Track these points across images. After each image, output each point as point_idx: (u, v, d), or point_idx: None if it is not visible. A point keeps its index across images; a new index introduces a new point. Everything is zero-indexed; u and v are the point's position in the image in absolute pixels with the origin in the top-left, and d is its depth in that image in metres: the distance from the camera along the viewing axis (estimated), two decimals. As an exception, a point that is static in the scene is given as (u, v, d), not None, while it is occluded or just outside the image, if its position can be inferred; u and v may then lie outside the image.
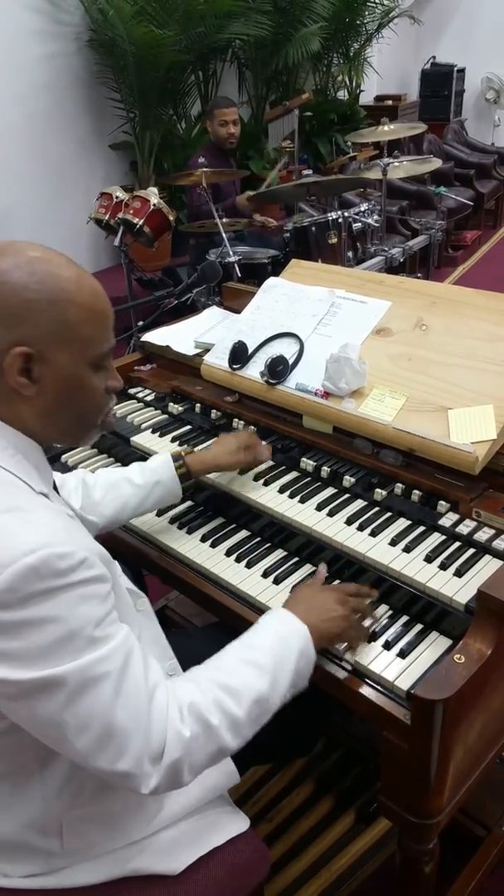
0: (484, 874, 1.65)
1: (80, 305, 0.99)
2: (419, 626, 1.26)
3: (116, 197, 4.38)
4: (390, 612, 1.30)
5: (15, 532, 0.89)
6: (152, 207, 4.18)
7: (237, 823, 1.19)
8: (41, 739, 0.93)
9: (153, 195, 4.23)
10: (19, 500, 0.94)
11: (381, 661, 1.19)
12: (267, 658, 1.07)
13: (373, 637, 1.23)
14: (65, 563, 0.88)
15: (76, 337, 0.99)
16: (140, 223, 4.16)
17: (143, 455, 1.77)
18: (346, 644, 1.20)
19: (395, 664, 1.18)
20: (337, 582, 1.37)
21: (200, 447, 1.73)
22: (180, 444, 1.78)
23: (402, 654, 1.19)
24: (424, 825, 1.15)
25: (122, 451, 1.84)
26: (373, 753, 1.86)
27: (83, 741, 0.90)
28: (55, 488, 1.11)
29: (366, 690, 1.16)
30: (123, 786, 0.95)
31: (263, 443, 1.61)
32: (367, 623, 1.25)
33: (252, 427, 1.74)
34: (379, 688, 1.16)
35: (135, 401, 2.01)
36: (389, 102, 8.84)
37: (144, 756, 0.93)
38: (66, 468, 1.81)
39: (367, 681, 1.18)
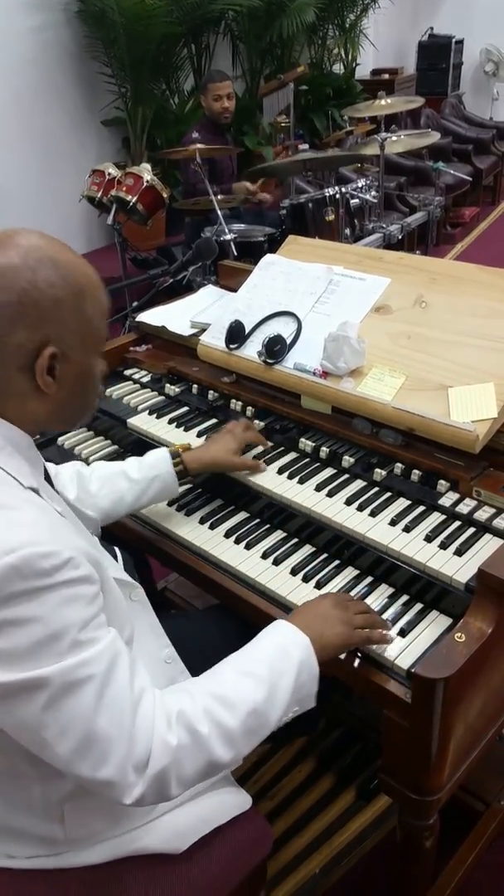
0: (482, 847, 1.67)
1: (94, 298, 0.99)
2: (419, 606, 1.26)
3: (109, 174, 4.32)
4: (390, 591, 1.30)
5: None
6: (145, 184, 4.13)
7: (240, 802, 1.20)
8: (24, 744, 0.92)
9: (146, 172, 4.18)
10: (5, 497, 0.92)
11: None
12: (264, 669, 1.03)
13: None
14: (48, 563, 0.86)
15: (92, 331, 1.00)
16: (133, 200, 4.11)
17: (140, 437, 1.76)
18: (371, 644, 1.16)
19: (395, 643, 1.18)
20: (336, 562, 1.37)
21: (196, 431, 1.72)
22: (178, 426, 1.76)
23: (403, 633, 1.20)
24: (425, 802, 1.16)
25: (119, 433, 1.83)
26: (373, 731, 1.87)
27: (64, 747, 0.88)
28: (49, 479, 1.10)
29: (366, 669, 1.17)
30: (106, 795, 0.92)
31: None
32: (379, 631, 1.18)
33: (250, 411, 1.73)
34: (380, 667, 1.16)
35: (131, 382, 1.99)
36: (386, 76, 8.70)
37: (128, 764, 0.90)
38: (62, 451, 1.80)
39: (368, 660, 1.18)
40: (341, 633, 1.12)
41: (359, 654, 1.19)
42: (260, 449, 1.61)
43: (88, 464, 1.51)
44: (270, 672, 1.03)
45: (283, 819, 1.73)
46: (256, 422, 1.68)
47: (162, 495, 1.48)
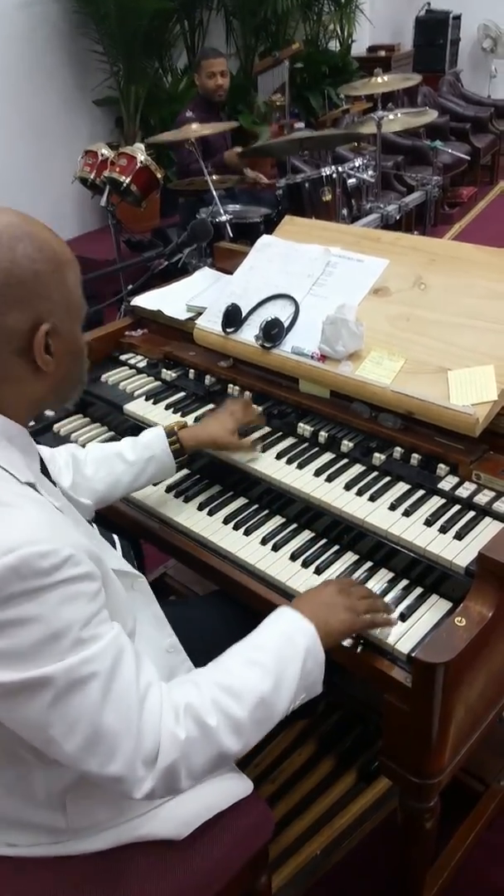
0: (482, 827, 1.68)
1: (72, 268, 0.98)
2: (419, 590, 1.26)
3: (102, 154, 4.26)
4: (390, 576, 1.29)
5: None
6: (139, 165, 4.07)
7: (241, 787, 1.20)
8: (31, 742, 0.91)
9: (140, 152, 4.12)
10: (2, 494, 0.90)
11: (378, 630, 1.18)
12: (270, 658, 1.02)
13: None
14: (47, 562, 0.85)
15: (75, 301, 0.99)
16: (127, 181, 4.05)
17: (137, 423, 1.75)
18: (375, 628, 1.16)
19: (395, 628, 1.18)
20: (336, 547, 1.36)
21: (194, 416, 1.71)
22: (175, 412, 1.75)
23: (403, 618, 1.19)
24: (426, 785, 1.16)
25: (115, 419, 1.81)
26: (373, 714, 1.88)
27: (71, 744, 0.88)
28: (44, 467, 1.08)
29: (366, 654, 1.16)
30: (116, 790, 0.92)
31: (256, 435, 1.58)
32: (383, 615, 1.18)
33: (248, 395, 1.72)
34: (380, 651, 1.16)
35: (126, 367, 1.98)
36: (382, 53, 8.59)
37: (136, 759, 0.90)
38: (58, 438, 1.79)
39: (368, 645, 1.18)
40: (345, 619, 1.12)
41: (361, 641, 1.18)
42: (263, 432, 1.60)
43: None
44: (277, 661, 1.02)
45: (283, 802, 1.74)
46: (255, 407, 1.66)
47: (159, 475, 1.47)
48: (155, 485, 1.55)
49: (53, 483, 1.10)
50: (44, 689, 0.85)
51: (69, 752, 0.88)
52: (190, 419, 1.70)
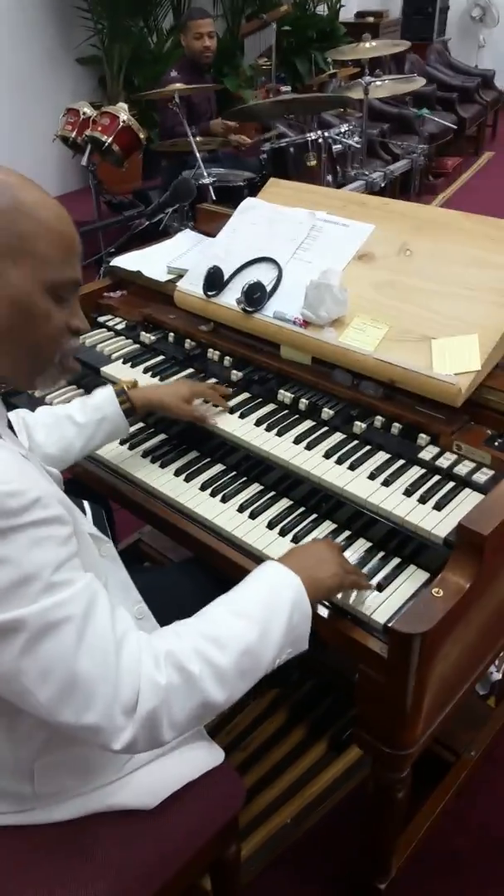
0: (451, 796, 1.69)
1: (37, 220, 0.91)
2: (397, 560, 1.24)
3: (84, 113, 4.16)
4: (368, 545, 1.28)
5: None
6: (121, 124, 3.97)
7: (212, 756, 1.18)
8: (4, 695, 0.88)
9: (122, 111, 4.02)
10: None
11: (358, 594, 1.16)
12: (256, 608, 0.99)
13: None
14: (15, 503, 0.82)
15: (31, 252, 0.91)
16: (108, 141, 3.96)
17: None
18: (354, 591, 1.15)
19: (372, 597, 1.16)
20: (314, 516, 1.34)
21: (172, 381, 1.67)
22: (153, 375, 1.71)
23: (380, 588, 1.18)
24: (399, 756, 1.15)
25: (93, 381, 1.77)
26: (346, 683, 1.88)
27: (45, 692, 0.84)
28: (11, 428, 1.04)
29: (342, 624, 1.15)
30: (94, 741, 0.88)
31: (218, 407, 1.54)
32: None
33: (228, 360, 1.68)
34: (356, 621, 1.15)
35: (105, 329, 1.93)
36: (371, 19, 8.45)
37: (115, 707, 0.86)
38: (32, 399, 1.74)
39: (344, 614, 1.16)
40: (336, 573, 1.10)
41: (329, 605, 1.17)
42: (239, 399, 1.57)
43: None
44: (262, 611, 1.00)
45: (254, 770, 1.74)
46: (235, 372, 1.63)
47: (113, 435, 1.45)
48: (131, 448, 1.53)
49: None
50: (15, 634, 0.82)
51: (43, 701, 0.85)
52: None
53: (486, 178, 6.86)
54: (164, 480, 1.45)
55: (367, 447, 1.41)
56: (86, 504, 1.32)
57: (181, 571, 1.49)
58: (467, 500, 1.27)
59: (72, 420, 1.39)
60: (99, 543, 1.13)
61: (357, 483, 1.33)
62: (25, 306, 0.92)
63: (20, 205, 0.90)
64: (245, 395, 1.60)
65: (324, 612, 1.16)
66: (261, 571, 1.07)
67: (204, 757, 1.17)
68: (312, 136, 3.64)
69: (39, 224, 0.91)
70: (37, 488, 0.85)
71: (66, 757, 1.03)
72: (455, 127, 6.06)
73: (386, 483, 1.32)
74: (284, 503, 1.38)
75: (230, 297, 1.69)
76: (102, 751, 0.92)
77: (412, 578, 1.20)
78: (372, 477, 1.34)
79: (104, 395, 1.43)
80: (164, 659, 0.91)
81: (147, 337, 1.83)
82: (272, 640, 0.99)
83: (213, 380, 1.65)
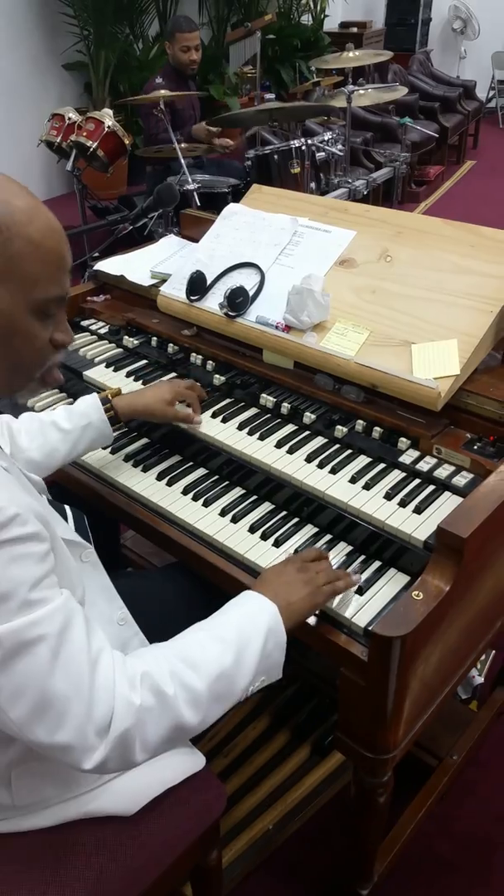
0: (434, 800, 1.69)
1: (27, 239, 0.89)
2: (377, 564, 1.25)
3: (69, 118, 4.16)
4: (349, 549, 1.28)
5: None
6: (106, 130, 3.98)
7: (193, 762, 1.18)
8: None
9: (108, 117, 4.03)
10: None
11: (338, 598, 1.16)
12: (231, 633, 1.00)
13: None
14: None
15: (17, 273, 0.89)
16: (94, 146, 3.96)
17: (97, 390, 1.70)
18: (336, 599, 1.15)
19: (352, 601, 1.16)
20: (295, 520, 1.34)
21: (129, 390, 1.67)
22: (136, 380, 1.71)
23: (360, 591, 1.18)
24: (380, 760, 1.16)
25: (76, 385, 1.76)
26: (328, 687, 1.88)
27: (17, 710, 0.84)
28: None
29: (323, 627, 1.15)
30: (64, 760, 0.88)
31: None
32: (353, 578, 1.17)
33: (211, 365, 1.68)
34: (336, 624, 1.15)
35: (87, 333, 1.93)
36: (354, 30, 8.51)
37: (87, 726, 0.86)
38: (14, 404, 1.73)
39: (325, 618, 1.16)
40: (306, 595, 1.10)
41: (315, 613, 1.17)
42: (222, 403, 1.57)
43: None
44: (238, 637, 1.00)
45: (237, 776, 1.74)
46: (217, 377, 1.63)
47: (97, 443, 1.44)
48: (113, 453, 1.52)
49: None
50: None
51: (15, 719, 0.85)
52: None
53: (467, 186, 6.92)
54: (145, 485, 1.44)
55: (349, 451, 1.42)
56: (68, 509, 1.31)
57: (164, 576, 1.48)
58: (447, 504, 1.28)
59: (56, 426, 1.39)
60: (80, 549, 1.12)
61: (338, 487, 1.33)
62: (8, 328, 0.91)
63: (11, 222, 0.88)
64: (227, 400, 1.60)
65: (312, 620, 1.16)
66: (237, 600, 1.08)
67: (184, 762, 1.17)
68: (296, 143, 3.66)
69: (30, 243, 0.89)
70: (14, 505, 0.85)
71: (44, 765, 1.02)
72: (437, 136, 6.10)
73: (367, 487, 1.32)
74: (266, 507, 1.38)
75: (213, 302, 1.69)
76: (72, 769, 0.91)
77: (393, 582, 1.21)
78: (353, 481, 1.34)
79: (89, 402, 1.43)
80: (139, 680, 0.91)
81: (130, 341, 1.82)
82: (246, 667, 0.99)
83: (190, 381, 1.64)
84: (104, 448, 1.53)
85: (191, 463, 1.50)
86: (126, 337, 1.84)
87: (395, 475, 1.35)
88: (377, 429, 1.43)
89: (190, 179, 3.53)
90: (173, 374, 1.71)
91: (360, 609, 1.15)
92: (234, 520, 1.34)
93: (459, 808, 1.77)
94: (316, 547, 1.25)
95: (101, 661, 0.90)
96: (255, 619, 1.03)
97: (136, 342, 1.82)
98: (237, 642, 0.99)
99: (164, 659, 0.95)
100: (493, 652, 2.10)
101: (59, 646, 0.85)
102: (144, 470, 1.48)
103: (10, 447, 1.32)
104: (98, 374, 1.74)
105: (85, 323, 1.96)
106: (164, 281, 1.86)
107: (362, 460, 1.39)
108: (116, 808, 1.08)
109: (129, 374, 1.73)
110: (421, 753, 1.77)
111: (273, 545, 1.29)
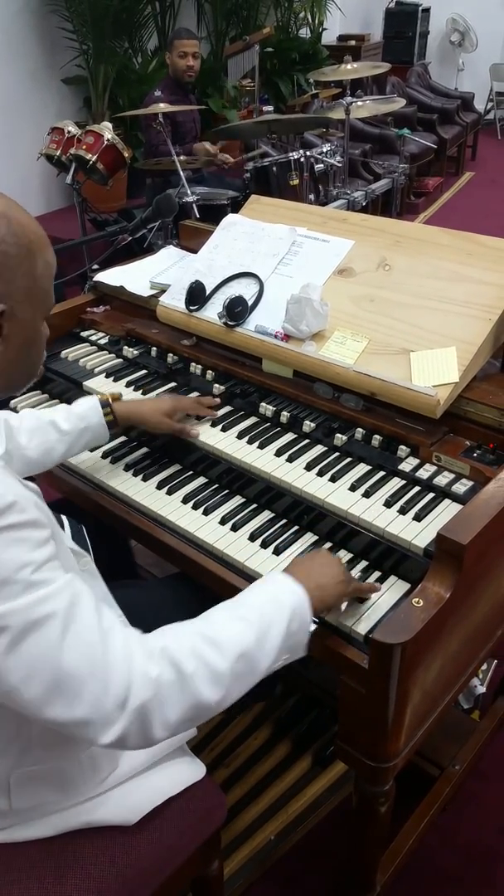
0: (436, 811, 1.68)
1: (44, 259, 0.98)
2: (378, 572, 1.24)
3: (68, 132, 4.18)
4: (349, 557, 1.28)
5: None
6: (106, 143, 4.00)
7: (193, 771, 1.17)
8: None
9: (107, 130, 4.05)
10: None
11: (343, 605, 1.16)
12: (254, 613, 0.99)
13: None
14: None
15: (40, 291, 0.98)
16: (93, 159, 3.98)
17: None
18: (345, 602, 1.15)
19: (353, 609, 1.16)
20: (296, 528, 1.34)
21: (154, 394, 1.67)
22: (135, 390, 1.72)
23: (361, 599, 1.18)
24: (381, 768, 1.15)
25: (75, 395, 1.76)
26: (329, 698, 1.87)
27: (33, 690, 0.84)
28: None
29: (323, 635, 1.15)
30: (84, 736, 0.87)
31: (200, 419, 1.56)
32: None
33: (210, 374, 1.69)
34: (337, 632, 1.14)
35: (87, 344, 1.93)
36: (352, 42, 8.58)
37: (104, 699, 0.85)
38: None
39: (326, 625, 1.16)
40: (342, 580, 1.10)
41: (315, 620, 1.17)
42: (221, 412, 1.58)
43: None
44: (261, 617, 0.99)
45: (239, 786, 1.73)
46: (217, 386, 1.64)
47: (91, 444, 1.48)
48: (113, 462, 1.53)
49: None
50: None
51: (31, 699, 0.84)
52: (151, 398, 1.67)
53: (466, 198, 6.96)
54: (146, 493, 1.45)
55: (348, 459, 1.42)
56: (64, 519, 1.31)
57: (165, 586, 1.48)
58: (447, 511, 1.28)
59: (56, 426, 1.41)
60: (77, 557, 1.12)
61: (338, 495, 1.33)
62: (32, 338, 1.00)
63: (34, 245, 0.95)
64: (227, 409, 1.60)
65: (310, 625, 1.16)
66: (264, 580, 1.08)
67: (185, 771, 1.16)
68: (295, 155, 3.68)
69: (46, 263, 0.98)
70: (11, 492, 0.85)
71: (43, 769, 1.02)
72: (436, 147, 6.15)
73: (366, 494, 1.33)
74: (266, 515, 1.38)
75: (212, 312, 1.70)
76: (79, 765, 0.91)
77: (393, 589, 1.20)
78: (353, 489, 1.34)
79: (89, 404, 1.45)
80: (158, 653, 0.90)
81: (130, 351, 1.83)
82: (269, 646, 0.98)
83: (196, 393, 1.65)
84: (104, 457, 1.54)
85: (191, 472, 1.50)
86: (126, 347, 1.84)
87: (395, 483, 1.36)
88: (377, 437, 1.43)
89: (189, 192, 3.54)
90: (173, 384, 1.72)
91: (361, 616, 1.15)
92: (235, 528, 1.34)
93: (462, 819, 1.76)
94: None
95: (114, 635, 0.89)
96: (280, 599, 1.03)
97: (135, 352, 1.83)
98: (260, 622, 0.98)
99: (185, 636, 0.94)
100: (496, 662, 2.09)
101: (69, 622, 0.85)
102: (144, 479, 1.48)
103: (6, 445, 1.33)
104: (98, 384, 1.75)
105: (85, 334, 1.97)
106: (163, 291, 1.86)
107: (362, 468, 1.40)
108: (117, 817, 1.08)
109: (129, 384, 1.74)
110: (423, 763, 1.76)
111: (273, 553, 1.29)
